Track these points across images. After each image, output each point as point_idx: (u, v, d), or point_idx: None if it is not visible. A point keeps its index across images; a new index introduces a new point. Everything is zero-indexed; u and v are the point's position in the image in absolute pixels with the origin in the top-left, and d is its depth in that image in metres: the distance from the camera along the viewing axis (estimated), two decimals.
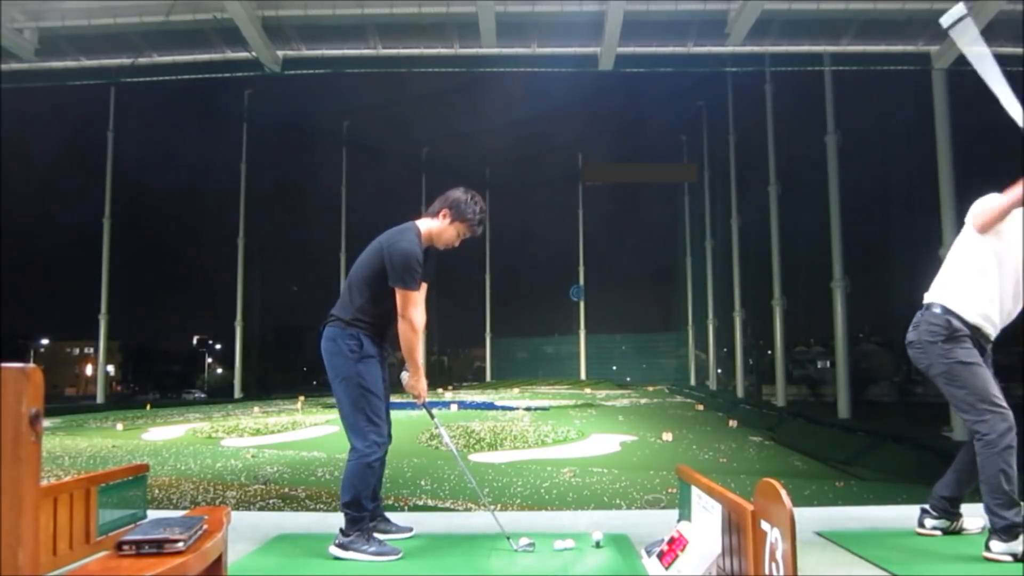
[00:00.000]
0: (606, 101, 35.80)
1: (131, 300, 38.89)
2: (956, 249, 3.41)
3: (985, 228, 3.26)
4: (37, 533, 1.23)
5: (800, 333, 26.82)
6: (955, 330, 3.26)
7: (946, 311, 3.30)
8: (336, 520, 3.43)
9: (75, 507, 2.54)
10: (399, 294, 3.30)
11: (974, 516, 3.50)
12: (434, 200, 3.60)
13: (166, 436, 15.63)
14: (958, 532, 3.44)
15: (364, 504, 3.24)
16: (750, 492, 2.17)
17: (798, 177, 22.68)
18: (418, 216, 3.56)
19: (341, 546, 3.18)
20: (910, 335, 3.39)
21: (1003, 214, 3.23)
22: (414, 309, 3.32)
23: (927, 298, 3.42)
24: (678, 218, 38.42)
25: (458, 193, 3.54)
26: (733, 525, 2.32)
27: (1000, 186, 3.47)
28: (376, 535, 3.29)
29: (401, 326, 3.33)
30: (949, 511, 3.44)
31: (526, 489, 8.94)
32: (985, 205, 3.30)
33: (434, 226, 3.50)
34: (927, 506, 3.49)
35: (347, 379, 3.31)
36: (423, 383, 3.51)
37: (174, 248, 52.54)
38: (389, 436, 3.52)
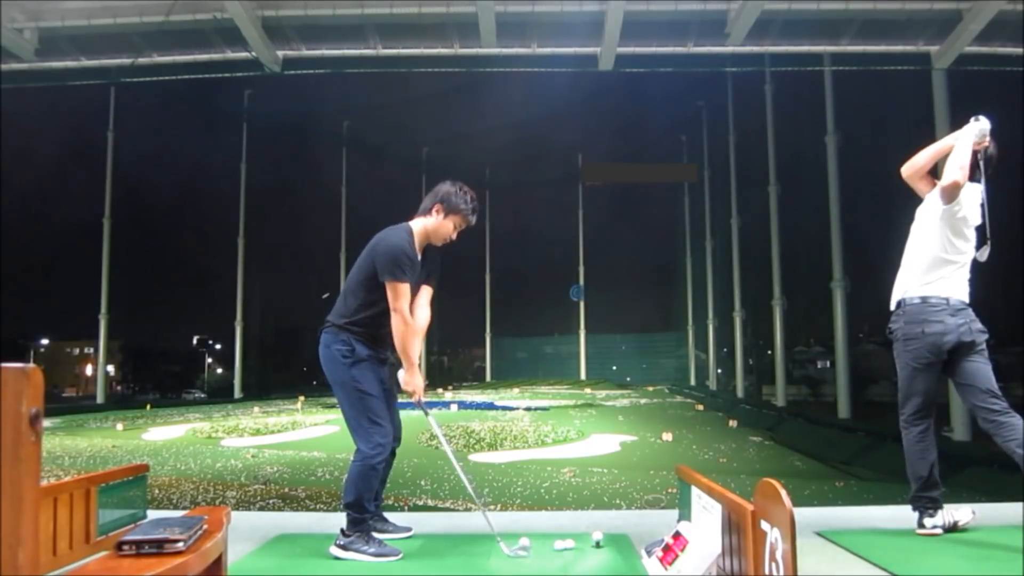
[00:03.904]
0: (606, 101, 35.89)
1: (131, 300, 38.87)
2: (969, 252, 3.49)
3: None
4: (37, 533, 1.23)
5: (800, 333, 26.80)
6: None
7: None
8: (336, 520, 3.43)
9: (75, 507, 2.54)
10: (389, 287, 3.28)
11: (962, 508, 3.51)
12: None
13: (166, 436, 15.63)
14: (955, 528, 3.44)
15: (366, 506, 3.24)
16: (750, 492, 2.17)
17: (798, 177, 22.69)
18: (412, 217, 3.55)
19: (342, 547, 3.18)
20: (981, 332, 3.41)
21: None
22: (404, 301, 3.29)
23: (966, 297, 3.46)
24: (678, 218, 38.46)
25: (446, 187, 3.52)
26: (733, 525, 2.32)
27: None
28: (375, 535, 3.29)
29: (393, 320, 3.30)
30: (937, 502, 3.46)
31: (526, 489, 8.94)
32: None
33: (429, 223, 3.48)
34: (922, 506, 3.50)
35: (344, 384, 3.33)
36: (418, 379, 3.44)
37: (174, 248, 52.57)
38: (398, 438, 3.51)
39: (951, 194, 3.38)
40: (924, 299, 3.46)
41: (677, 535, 2.69)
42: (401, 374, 3.44)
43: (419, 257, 3.48)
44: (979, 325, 3.41)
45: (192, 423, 18.33)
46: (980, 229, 3.49)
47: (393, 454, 3.50)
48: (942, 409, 11.20)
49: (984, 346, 3.41)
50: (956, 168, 3.36)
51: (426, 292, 3.52)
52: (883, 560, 2.95)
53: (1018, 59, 9.52)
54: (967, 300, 3.45)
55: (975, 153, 3.48)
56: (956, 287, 3.44)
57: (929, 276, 3.46)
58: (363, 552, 3.15)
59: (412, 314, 3.44)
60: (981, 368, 3.40)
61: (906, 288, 3.53)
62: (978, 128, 3.47)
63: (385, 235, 3.39)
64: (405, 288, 3.30)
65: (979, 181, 3.51)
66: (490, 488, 8.98)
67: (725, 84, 28.24)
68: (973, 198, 3.48)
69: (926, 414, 3.54)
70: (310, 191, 42.38)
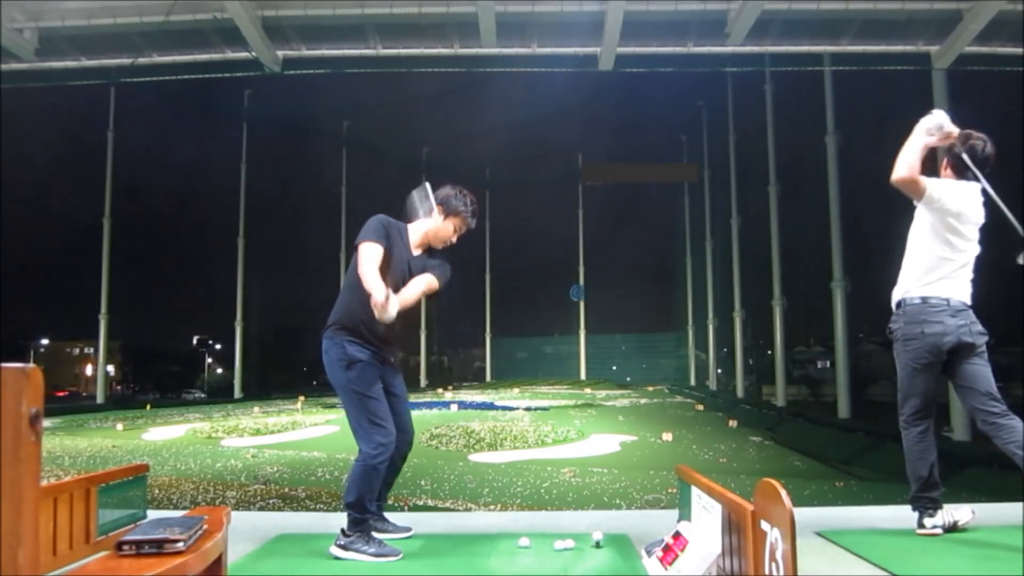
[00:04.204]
0: (606, 101, 35.90)
1: (131, 300, 38.89)
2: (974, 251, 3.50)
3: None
4: (37, 533, 1.23)
5: (800, 333, 26.81)
6: None
7: None
8: (336, 520, 3.43)
9: (75, 507, 2.54)
10: (358, 250, 3.25)
11: (962, 508, 3.51)
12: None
13: (166, 436, 15.63)
14: (955, 528, 3.44)
15: (367, 506, 3.25)
16: (750, 492, 2.17)
17: (798, 177, 22.69)
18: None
19: (342, 547, 3.18)
20: (982, 335, 3.41)
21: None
22: (369, 262, 3.19)
23: (967, 298, 3.47)
24: (678, 218, 38.44)
25: (446, 189, 3.58)
26: (733, 525, 2.32)
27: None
28: (375, 535, 3.29)
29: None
30: (937, 502, 3.46)
31: (526, 489, 8.94)
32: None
33: (429, 225, 3.52)
34: (922, 506, 3.50)
35: (342, 387, 3.36)
36: (376, 287, 3.12)
37: (174, 248, 52.65)
38: (408, 441, 3.52)
39: (910, 189, 3.39)
40: (924, 299, 3.46)
41: (677, 535, 2.69)
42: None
43: (415, 252, 3.51)
44: (980, 327, 3.40)
45: (192, 423, 18.33)
46: (985, 229, 3.48)
47: (403, 457, 3.51)
48: (942, 409, 11.18)
49: (984, 348, 3.41)
50: (901, 164, 3.38)
51: (425, 276, 3.45)
52: (883, 560, 2.95)
53: (1018, 59, 9.52)
54: (969, 301, 3.44)
55: (954, 148, 3.47)
56: (957, 288, 3.42)
57: (929, 276, 3.45)
58: (363, 552, 3.15)
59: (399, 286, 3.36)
60: (981, 371, 3.39)
61: (906, 288, 3.52)
62: (932, 121, 3.44)
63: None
64: (372, 248, 3.24)
65: (972, 179, 3.50)
66: (490, 488, 8.98)
67: (725, 84, 28.23)
68: (966, 196, 3.47)
69: (926, 414, 3.54)
70: (310, 191, 42.41)
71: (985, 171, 3.51)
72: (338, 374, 3.35)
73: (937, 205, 3.40)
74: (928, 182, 3.41)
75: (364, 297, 3.18)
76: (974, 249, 3.46)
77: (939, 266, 3.44)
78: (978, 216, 3.47)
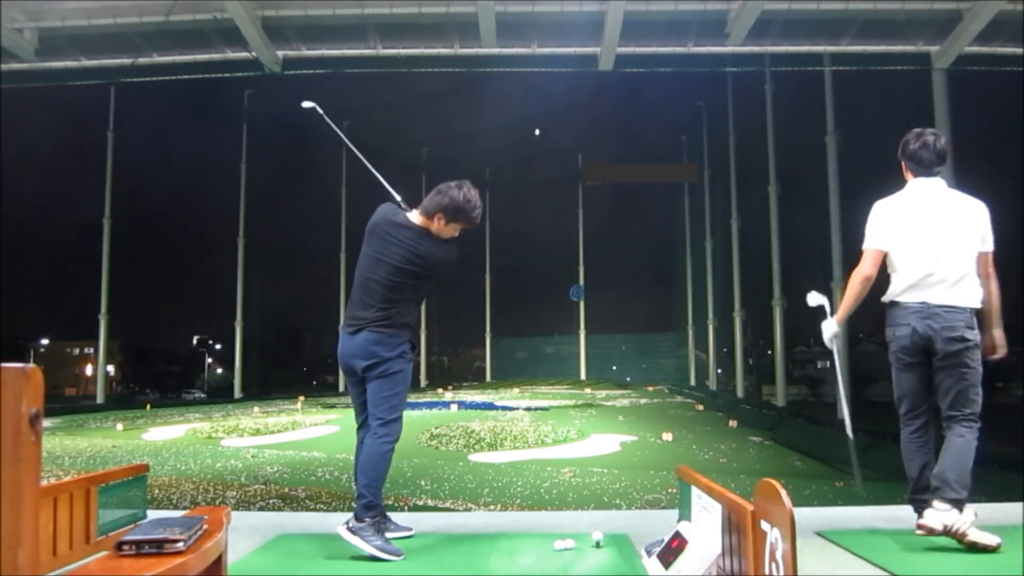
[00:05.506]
0: (606, 101, 35.76)
1: (131, 300, 38.76)
2: (971, 251, 3.46)
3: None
4: (37, 533, 1.23)
5: (800, 333, 26.76)
6: None
7: (974, 312, 3.46)
8: (337, 520, 3.44)
9: (75, 507, 2.54)
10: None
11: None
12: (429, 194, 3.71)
13: (166, 436, 15.62)
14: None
15: (379, 490, 3.37)
16: (750, 492, 2.17)
17: (798, 177, 22.68)
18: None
19: (351, 530, 3.21)
20: (966, 332, 3.37)
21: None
22: None
23: (968, 299, 3.42)
24: (678, 218, 38.40)
25: (452, 193, 3.60)
26: (733, 525, 2.32)
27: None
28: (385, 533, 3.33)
29: None
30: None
31: (526, 489, 8.94)
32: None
33: (431, 228, 3.60)
34: (919, 507, 3.50)
35: (398, 380, 3.48)
36: None
37: (174, 248, 52.48)
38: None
39: (875, 264, 3.64)
40: (901, 303, 3.52)
41: (677, 535, 2.69)
42: None
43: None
44: (956, 334, 3.36)
45: (192, 423, 18.31)
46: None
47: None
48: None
49: (960, 358, 3.36)
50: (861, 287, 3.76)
51: None
52: (883, 560, 2.95)
53: (1018, 59, 9.52)
54: (962, 303, 3.40)
55: (907, 145, 3.73)
56: (939, 292, 3.42)
57: (906, 281, 3.50)
58: (368, 542, 3.17)
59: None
60: (945, 381, 3.41)
61: (890, 292, 3.58)
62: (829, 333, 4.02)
63: (429, 246, 3.57)
64: None
65: (932, 174, 3.58)
66: (490, 488, 8.98)
67: (725, 84, 28.19)
68: (911, 202, 3.56)
69: (917, 414, 3.56)
70: (310, 191, 42.32)
71: (941, 165, 3.57)
72: (398, 364, 3.48)
73: (889, 244, 3.55)
74: (868, 253, 3.67)
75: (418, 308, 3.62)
76: (952, 245, 3.44)
77: (915, 270, 3.46)
78: (944, 209, 3.51)
